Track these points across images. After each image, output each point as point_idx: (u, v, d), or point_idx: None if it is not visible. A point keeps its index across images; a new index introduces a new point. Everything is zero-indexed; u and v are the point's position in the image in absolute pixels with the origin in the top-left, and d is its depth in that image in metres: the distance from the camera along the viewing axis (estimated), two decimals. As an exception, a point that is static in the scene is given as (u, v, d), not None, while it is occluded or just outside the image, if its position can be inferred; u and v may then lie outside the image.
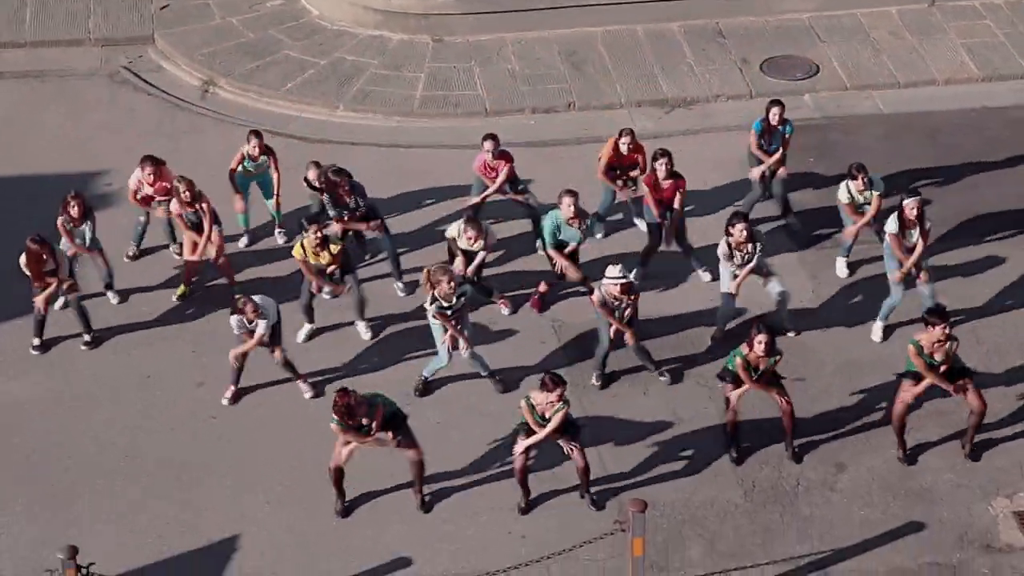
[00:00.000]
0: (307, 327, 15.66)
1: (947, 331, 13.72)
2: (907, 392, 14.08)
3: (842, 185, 16.14)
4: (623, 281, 14.59)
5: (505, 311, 15.95)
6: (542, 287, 16.03)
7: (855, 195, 16.04)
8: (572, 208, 15.47)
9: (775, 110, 16.62)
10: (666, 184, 15.95)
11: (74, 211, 15.53)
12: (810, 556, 13.44)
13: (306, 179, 16.39)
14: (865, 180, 15.98)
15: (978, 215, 17.35)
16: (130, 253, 16.71)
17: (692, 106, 19.11)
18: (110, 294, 16.11)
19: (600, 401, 14.92)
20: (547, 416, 13.38)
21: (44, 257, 15.07)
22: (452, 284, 14.55)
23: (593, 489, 13.99)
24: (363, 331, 15.72)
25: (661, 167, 15.87)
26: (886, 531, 13.65)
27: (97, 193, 17.42)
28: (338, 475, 13.67)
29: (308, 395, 15.03)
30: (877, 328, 15.71)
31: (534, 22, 20.18)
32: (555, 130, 18.52)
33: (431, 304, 14.63)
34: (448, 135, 18.62)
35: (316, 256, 15.21)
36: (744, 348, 13.81)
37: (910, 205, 15.28)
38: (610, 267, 14.76)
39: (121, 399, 15.00)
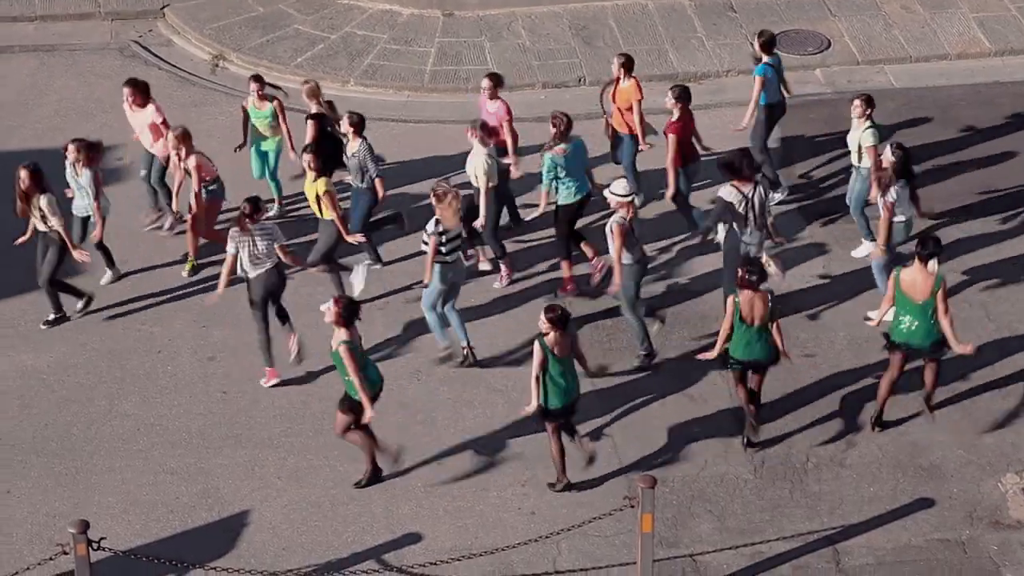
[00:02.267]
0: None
1: (928, 265, 13.61)
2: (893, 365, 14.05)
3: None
4: (627, 199, 14.40)
5: (500, 283, 15.89)
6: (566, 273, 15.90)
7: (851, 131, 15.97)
8: (561, 133, 15.28)
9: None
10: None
11: (72, 155, 15.39)
12: (819, 532, 13.46)
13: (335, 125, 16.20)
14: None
15: (989, 190, 17.30)
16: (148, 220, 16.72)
17: (702, 80, 19.06)
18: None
19: (610, 376, 14.91)
20: (556, 353, 13.24)
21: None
22: (456, 205, 14.39)
23: (603, 466, 14.00)
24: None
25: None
26: (895, 507, 13.66)
27: (107, 168, 17.40)
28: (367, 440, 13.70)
29: (292, 356, 14.97)
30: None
31: (544, -4, 20.15)
32: (565, 105, 18.36)
33: (433, 228, 14.42)
34: (458, 110, 18.58)
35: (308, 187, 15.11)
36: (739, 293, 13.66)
37: (886, 154, 15.04)
38: (615, 182, 14.63)
39: (131, 374, 15.03)
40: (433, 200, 14.55)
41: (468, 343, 14.93)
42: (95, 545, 12.11)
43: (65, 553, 12.15)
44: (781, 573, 13.13)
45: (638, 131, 16.56)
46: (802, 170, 17.56)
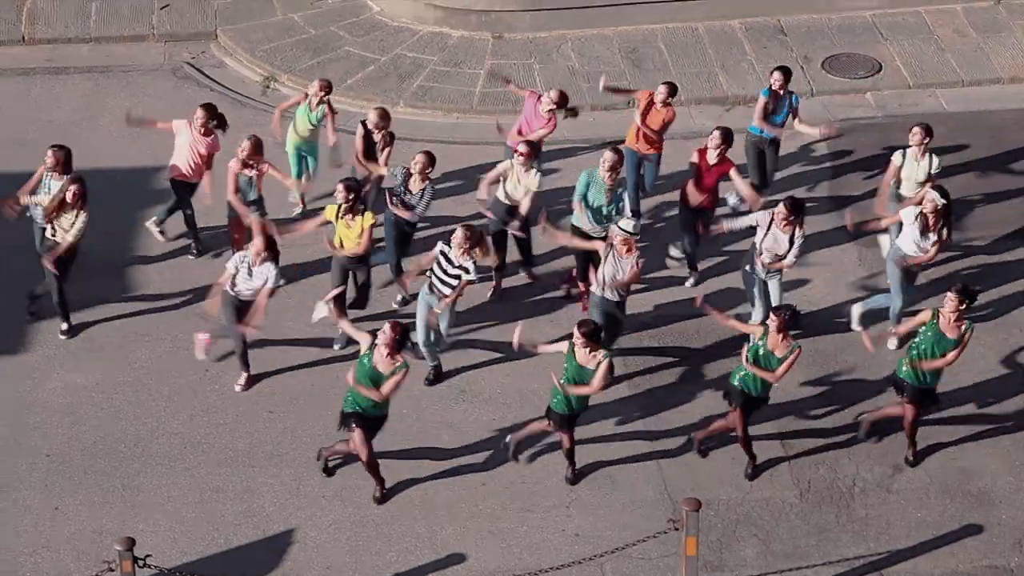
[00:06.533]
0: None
1: (962, 307, 13.50)
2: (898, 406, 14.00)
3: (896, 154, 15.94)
4: (625, 235, 14.40)
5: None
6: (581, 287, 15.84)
7: (908, 162, 15.77)
8: (610, 162, 15.23)
9: (777, 75, 16.56)
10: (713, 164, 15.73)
11: (49, 160, 15.43)
12: (865, 557, 13.36)
13: (363, 124, 16.35)
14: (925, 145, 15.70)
15: (1041, 215, 17.20)
16: None
17: (752, 104, 18.97)
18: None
19: (653, 398, 14.86)
20: (586, 366, 13.33)
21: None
22: (466, 246, 14.56)
23: (646, 488, 13.98)
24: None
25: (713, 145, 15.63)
26: (943, 533, 13.55)
27: (159, 188, 17.55)
28: (373, 465, 13.81)
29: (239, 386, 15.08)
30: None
31: (594, 19, 20.16)
32: (614, 128, 18.45)
33: (472, 270, 14.57)
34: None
35: (347, 227, 15.04)
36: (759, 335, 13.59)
37: (931, 203, 14.82)
38: (625, 220, 14.63)
39: (179, 393, 15.12)
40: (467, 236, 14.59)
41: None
42: (141, 562, 12.18)
43: (111, 570, 12.22)
44: (826, 598, 13.08)
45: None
46: (850, 192, 17.44)
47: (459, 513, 13.83)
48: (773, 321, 13.44)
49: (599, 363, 13.33)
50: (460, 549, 13.52)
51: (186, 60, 20.00)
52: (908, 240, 14.97)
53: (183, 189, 16.40)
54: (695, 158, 15.78)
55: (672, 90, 16.56)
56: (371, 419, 13.55)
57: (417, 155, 15.64)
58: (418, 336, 14.82)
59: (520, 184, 15.64)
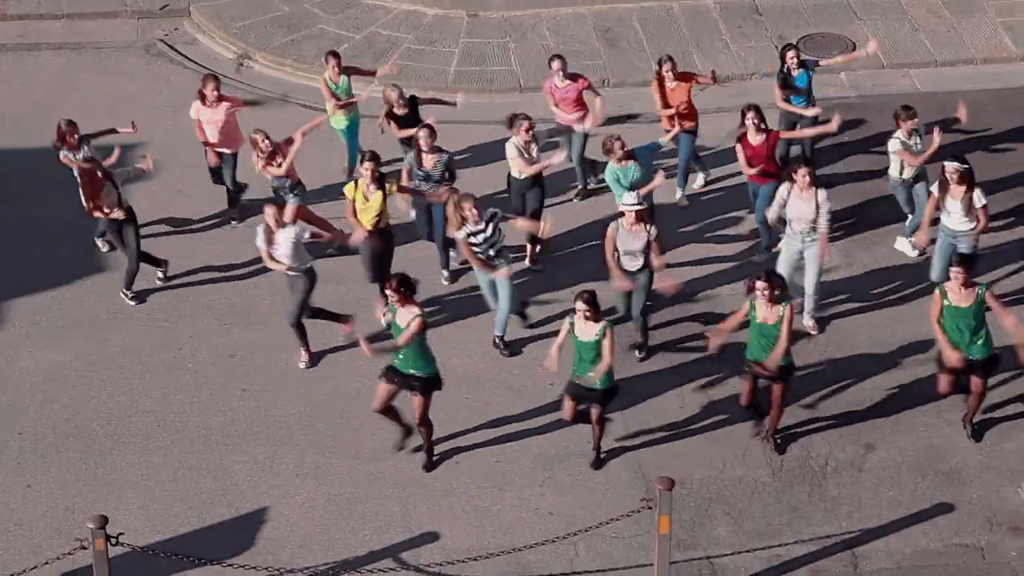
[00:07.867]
0: None
1: (966, 278, 13.55)
2: (944, 382, 14.07)
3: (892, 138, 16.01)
4: (637, 208, 14.43)
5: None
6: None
7: (904, 140, 15.89)
8: (621, 150, 15.37)
9: (790, 53, 16.59)
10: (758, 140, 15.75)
11: (73, 139, 15.63)
12: (837, 536, 13.42)
13: (390, 113, 16.44)
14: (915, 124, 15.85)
15: (1017, 195, 17.23)
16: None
17: (727, 84, 19.03)
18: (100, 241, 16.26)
19: (628, 376, 14.90)
20: (588, 338, 13.36)
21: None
22: (476, 210, 14.53)
23: (620, 467, 14.03)
24: None
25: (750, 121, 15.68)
26: (914, 512, 13.61)
27: (132, 165, 17.48)
28: (387, 413, 13.91)
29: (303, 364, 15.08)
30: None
31: (569, -2, 20.17)
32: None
33: (464, 236, 14.60)
34: (482, 111, 18.60)
35: (365, 199, 15.04)
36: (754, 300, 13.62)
37: (951, 168, 14.99)
38: (627, 193, 14.65)
39: (152, 371, 15.10)
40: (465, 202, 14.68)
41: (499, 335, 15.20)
42: (114, 540, 12.14)
43: (84, 548, 12.18)
44: (798, 576, 13.15)
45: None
46: (824, 172, 17.49)
47: (433, 491, 13.85)
48: (763, 290, 13.44)
49: (602, 332, 13.34)
50: (434, 527, 13.54)
51: (159, 37, 19.92)
52: (953, 219, 15.04)
53: (219, 160, 16.52)
54: (740, 149, 15.76)
55: (672, 63, 16.62)
56: (421, 379, 13.60)
57: (419, 132, 15.63)
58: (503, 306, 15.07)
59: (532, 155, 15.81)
